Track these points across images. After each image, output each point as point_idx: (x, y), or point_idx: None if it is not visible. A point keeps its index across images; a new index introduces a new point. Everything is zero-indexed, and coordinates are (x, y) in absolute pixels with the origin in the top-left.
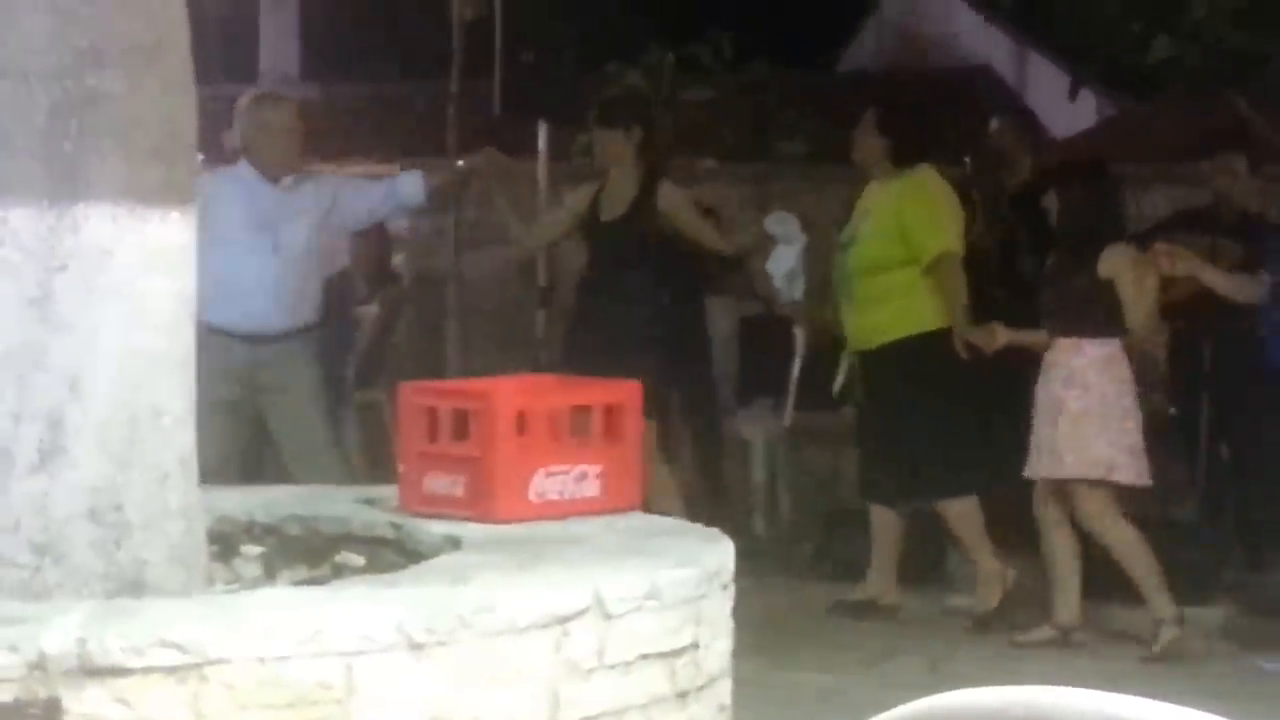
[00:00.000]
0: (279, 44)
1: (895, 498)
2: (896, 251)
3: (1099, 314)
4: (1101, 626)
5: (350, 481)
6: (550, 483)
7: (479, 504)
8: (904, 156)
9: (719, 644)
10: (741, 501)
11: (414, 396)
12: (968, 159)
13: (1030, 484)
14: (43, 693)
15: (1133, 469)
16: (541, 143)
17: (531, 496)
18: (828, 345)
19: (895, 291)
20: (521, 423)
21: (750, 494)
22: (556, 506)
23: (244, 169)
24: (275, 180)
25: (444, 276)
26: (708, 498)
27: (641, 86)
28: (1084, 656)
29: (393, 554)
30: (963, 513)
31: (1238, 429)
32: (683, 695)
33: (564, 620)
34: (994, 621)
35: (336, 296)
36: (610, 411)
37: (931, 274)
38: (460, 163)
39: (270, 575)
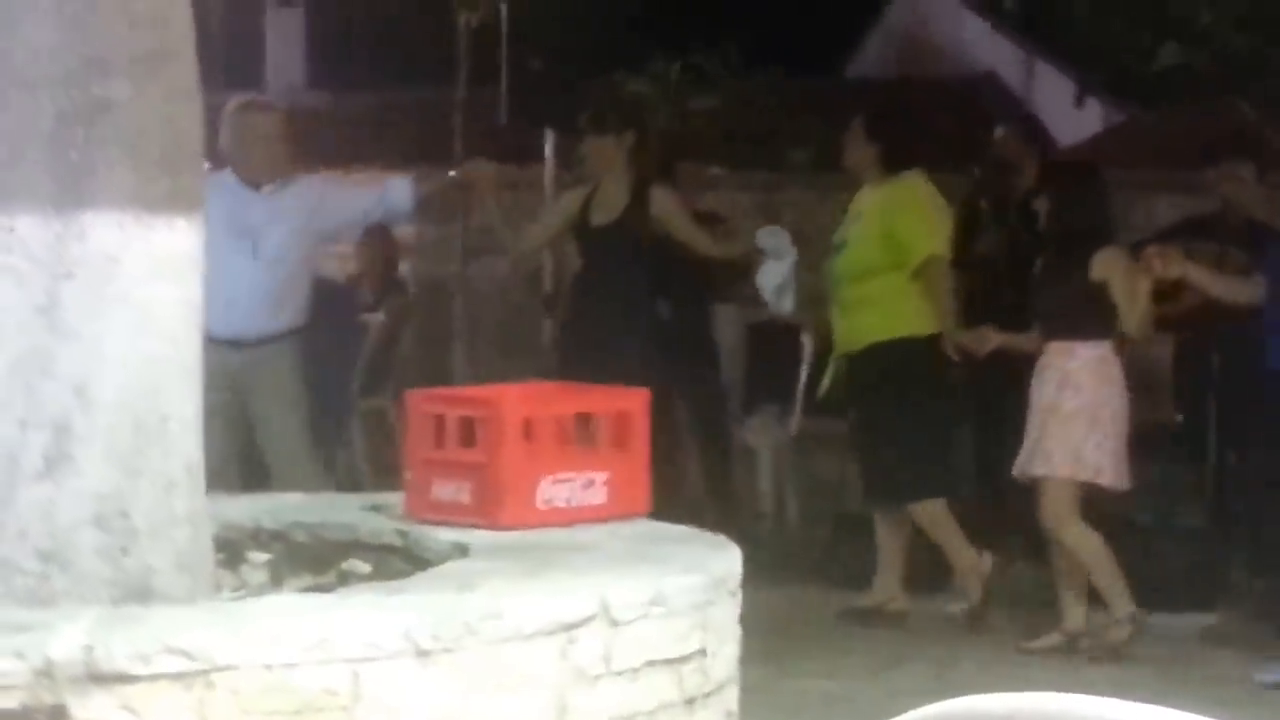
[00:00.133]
0: (285, 52)
1: (879, 501)
2: (883, 256)
3: (1091, 317)
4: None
5: (327, 486)
6: (557, 489)
7: (486, 511)
8: (893, 162)
9: (726, 650)
10: (748, 508)
11: (421, 403)
12: (976, 168)
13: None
14: (49, 700)
15: (1114, 473)
16: (548, 150)
17: (538, 503)
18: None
19: (882, 296)
20: (528, 430)
21: (757, 500)
22: (563, 513)
23: (227, 175)
24: (257, 187)
25: (450, 284)
26: (715, 504)
27: (645, 92)
28: (1091, 663)
29: (399, 561)
30: (933, 515)
31: (1244, 434)
32: (690, 702)
33: (571, 627)
34: (986, 614)
35: (343, 303)
36: (617, 418)
37: (919, 278)
38: (452, 173)
39: (277, 582)
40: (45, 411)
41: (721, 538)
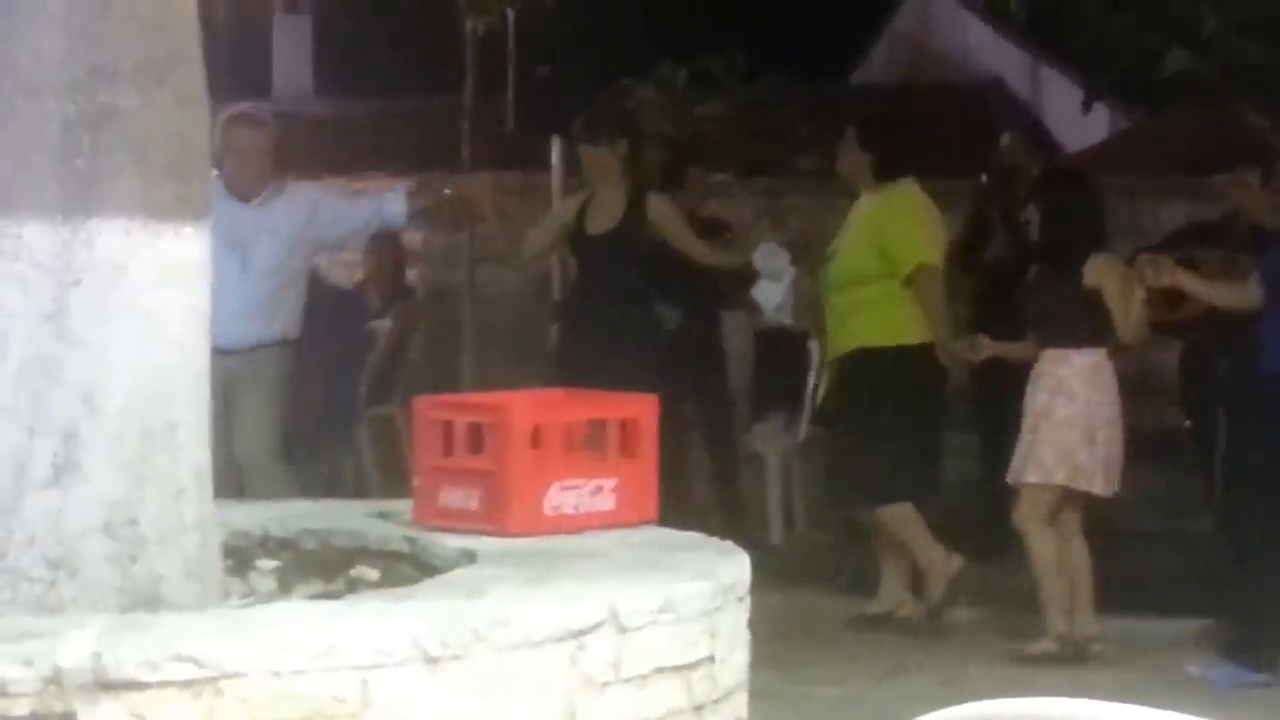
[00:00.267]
0: (293, 59)
1: (844, 503)
2: (874, 264)
3: (1085, 324)
4: (1119, 639)
5: (290, 495)
6: (565, 496)
7: (494, 518)
8: (885, 171)
9: (735, 657)
10: (757, 515)
11: (429, 410)
12: (983, 174)
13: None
14: (58, 707)
15: (1105, 480)
16: (555, 157)
17: (546, 510)
18: None
19: (873, 303)
20: (536, 436)
21: (766, 507)
22: (571, 520)
23: (217, 186)
24: (246, 199)
25: (458, 291)
26: (723, 511)
27: (652, 98)
28: (1099, 669)
29: (408, 568)
30: (899, 517)
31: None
32: (699, 708)
33: (579, 634)
34: (944, 614)
35: (351, 310)
36: (625, 425)
37: (910, 286)
38: (447, 191)
39: (285, 589)
40: (53, 419)
41: (729, 544)
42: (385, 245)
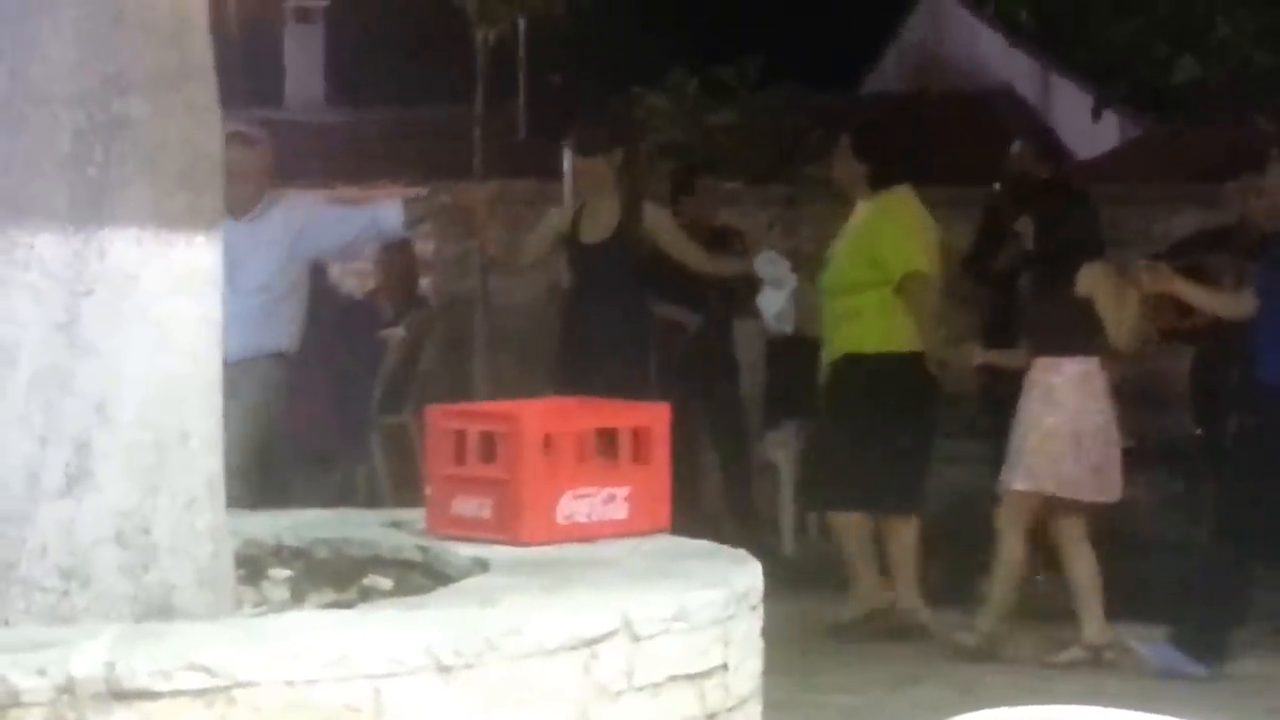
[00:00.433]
0: (304, 68)
1: (836, 504)
2: (867, 272)
3: (1077, 332)
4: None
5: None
6: (578, 505)
7: (506, 526)
8: (880, 179)
9: (748, 665)
10: (770, 523)
11: (441, 419)
12: (996, 182)
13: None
14: (71, 716)
15: (1093, 487)
16: (567, 165)
17: (559, 519)
18: None
19: (864, 310)
20: (549, 445)
21: (778, 515)
22: (584, 529)
23: None
24: (238, 216)
25: (471, 300)
26: (736, 519)
27: (662, 106)
28: (1114, 676)
29: (420, 577)
30: (844, 524)
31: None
32: (712, 717)
33: (592, 642)
34: (854, 632)
35: (363, 319)
36: (638, 433)
37: (901, 293)
38: (444, 198)
39: (298, 598)
40: (65, 428)
41: (742, 552)
42: (396, 254)
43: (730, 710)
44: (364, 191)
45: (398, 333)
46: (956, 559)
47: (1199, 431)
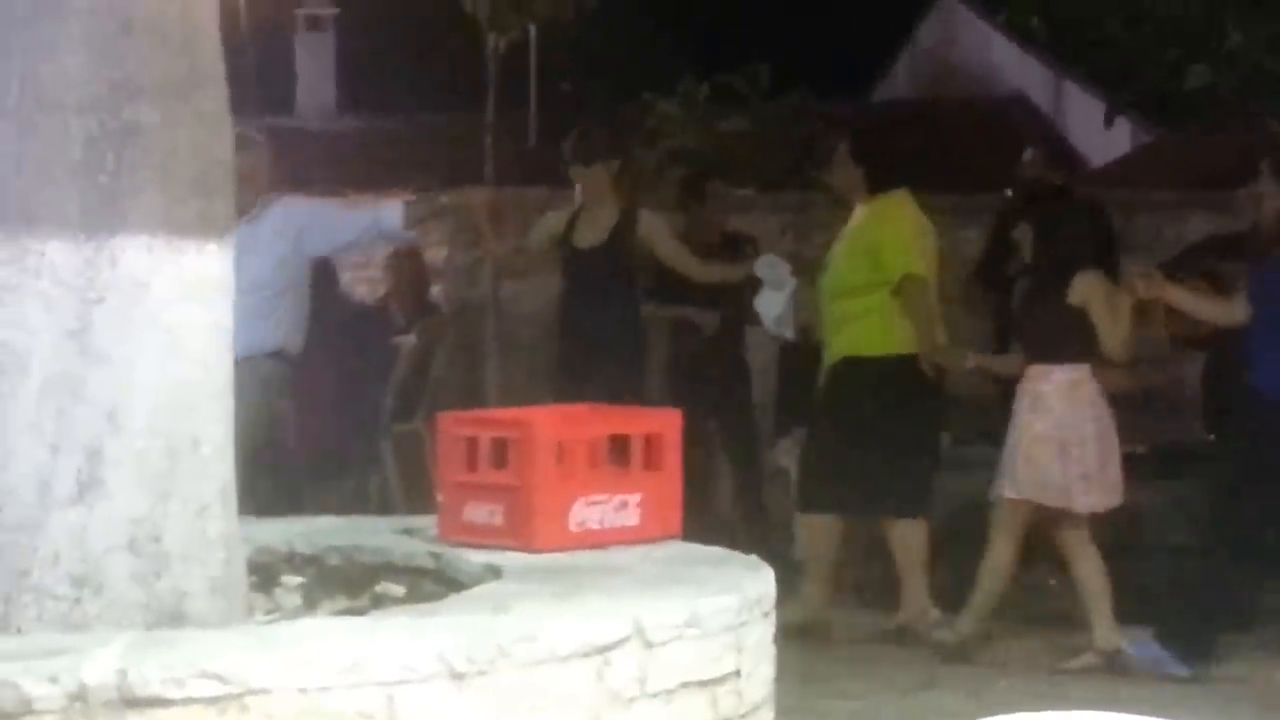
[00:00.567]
0: (316, 76)
1: (833, 508)
2: (864, 275)
3: (1069, 341)
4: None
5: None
6: (590, 511)
7: (519, 533)
8: (878, 184)
9: (761, 671)
10: (782, 528)
11: (453, 426)
12: (1009, 191)
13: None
14: None
15: (1082, 496)
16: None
17: (571, 525)
18: None
19: (862, 314)
20: (561, 452)
21: (791, 521)
22: (596, 535)
23: None
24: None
25: (482, 306)
26: (748, 525)
27: (673, 113)
28: (1126, 682)
29: (432, 584)
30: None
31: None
32: None
33: (605, 649)
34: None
35: (375, 326)
36: (650, 440)
37: (898, 296)
38: (444, 199)
39: (310, 605)
40: (76, 436)
41: (754, 558)
42: (406, 261)
43: (743, 716)
44: (377, 199)
45: (409, 340)
46: (969, 564)
47: (1211, 437)
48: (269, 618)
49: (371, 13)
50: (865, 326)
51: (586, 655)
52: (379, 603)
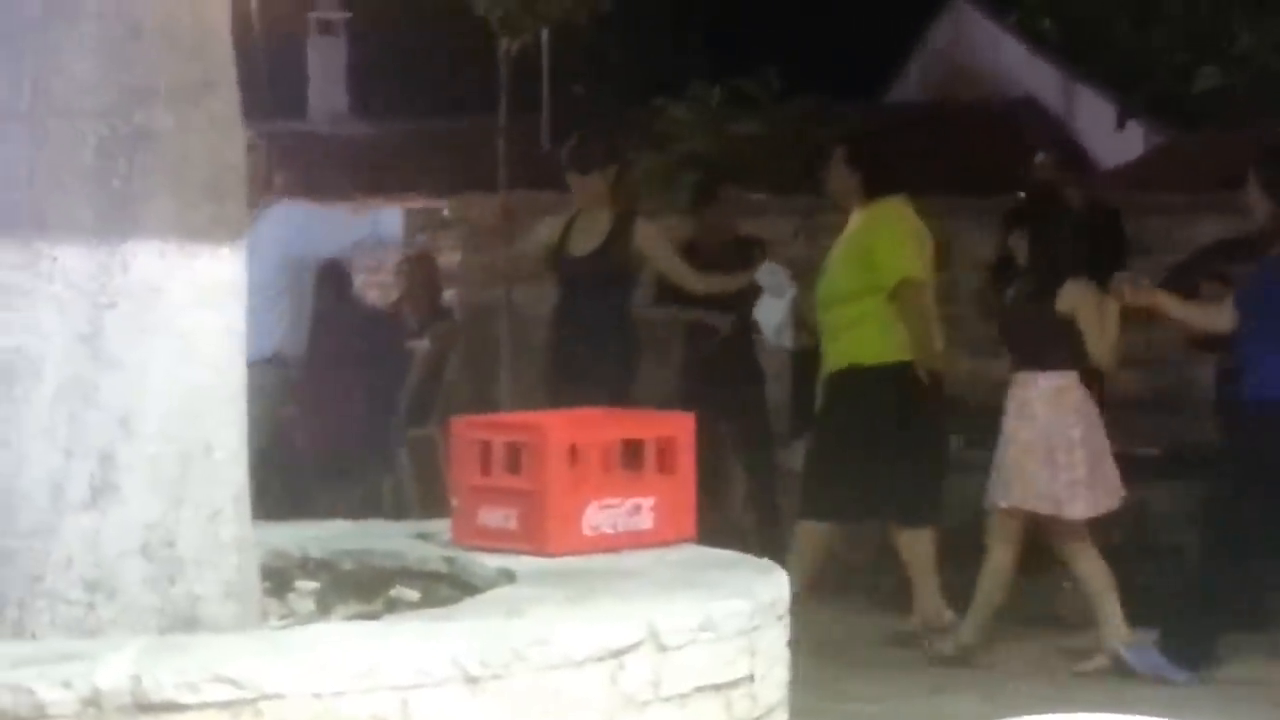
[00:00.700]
0: (327, 80)
1: (832, 515)
2: (860, 281)
3: (1058, 348)
4: None
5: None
6: (603, 515)
7: (532, 537)
8: (874, 189)
9: (775, 675)
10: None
11: (467, 431)
12: (1021, 194)
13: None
14: None
15: (1069, 502)
16: None
17: (585, 529)
18: None
19: (858, 320)
20: (574, 456)
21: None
22: (610, 539)
23: None
24: None
25: (495, 311)
26: (761, 529)
27: (685, 117)
28: (1137, 685)
29: (447, 588)
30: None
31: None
32: None
33: (619, 653)
34: (915, 641)
35: (388, 331)
36: (662, 444)
37: (895, 301)
38: (445, 211)
39: (324, 610)
40: (89, 441)
41: (768, 562)
42: (418, 266)
43: None
44: (380, 205)
45: (423, 345)
46: (981, 566)
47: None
48: (283, 622)
49: (383, 17)
50: (861, 334)
51: (600, 659)
52: (393, 607)
